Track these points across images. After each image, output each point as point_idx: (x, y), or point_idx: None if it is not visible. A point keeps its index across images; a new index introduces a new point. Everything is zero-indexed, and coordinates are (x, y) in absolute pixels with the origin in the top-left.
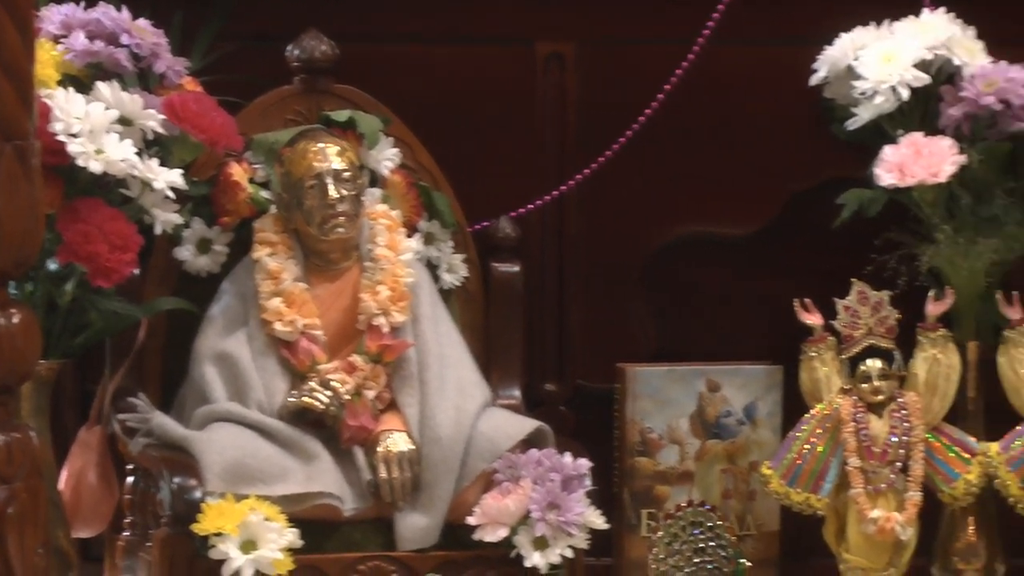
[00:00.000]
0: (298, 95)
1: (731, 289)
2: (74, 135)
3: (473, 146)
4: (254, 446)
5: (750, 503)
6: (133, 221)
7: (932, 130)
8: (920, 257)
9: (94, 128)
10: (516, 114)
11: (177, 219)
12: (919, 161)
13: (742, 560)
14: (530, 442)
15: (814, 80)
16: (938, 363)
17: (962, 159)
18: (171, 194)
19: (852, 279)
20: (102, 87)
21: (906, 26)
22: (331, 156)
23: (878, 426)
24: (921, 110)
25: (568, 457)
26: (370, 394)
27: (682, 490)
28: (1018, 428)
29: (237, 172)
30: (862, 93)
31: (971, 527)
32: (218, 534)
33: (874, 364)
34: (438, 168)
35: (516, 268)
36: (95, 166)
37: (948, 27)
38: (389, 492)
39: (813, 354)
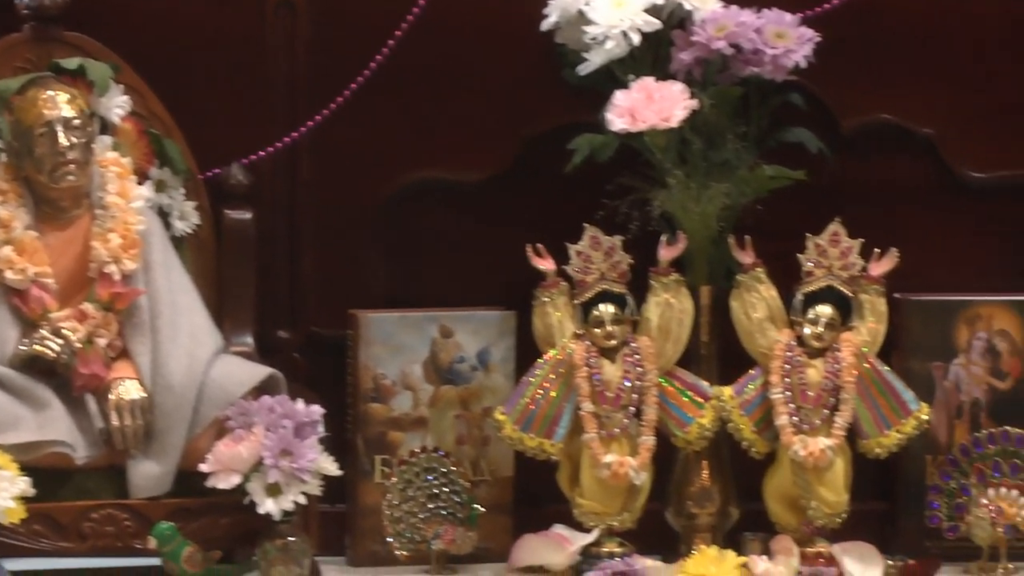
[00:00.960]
0: (27, 43)
1: (464, 235)
2: None
3: (204, 93)
4: None
5: (484, 448)
6: None
7: (664, 75)
8: (652, 202)
9: None
10: (247, 61)
11: None
12: (650, 106)
13: (476, 506)
14: (262, 389)
15: (545, 25)
16: (671, 307)
17: (693, 104)
18: None
19: (584, 224)
20: None
21: None
22: (61, 104)
23: (611, 371)
24: (652, 55)
25: (301, 404)
26: (102, 342)
27: (415, 436)
28: (751, 372)
29: None
30: (593, 38)
31: (705, 471)
32: None
33: (607, 309)
34: (169, 115)
35: (248, 215)
36: None
37: None
38: (121, 440)
39: (546, 299)
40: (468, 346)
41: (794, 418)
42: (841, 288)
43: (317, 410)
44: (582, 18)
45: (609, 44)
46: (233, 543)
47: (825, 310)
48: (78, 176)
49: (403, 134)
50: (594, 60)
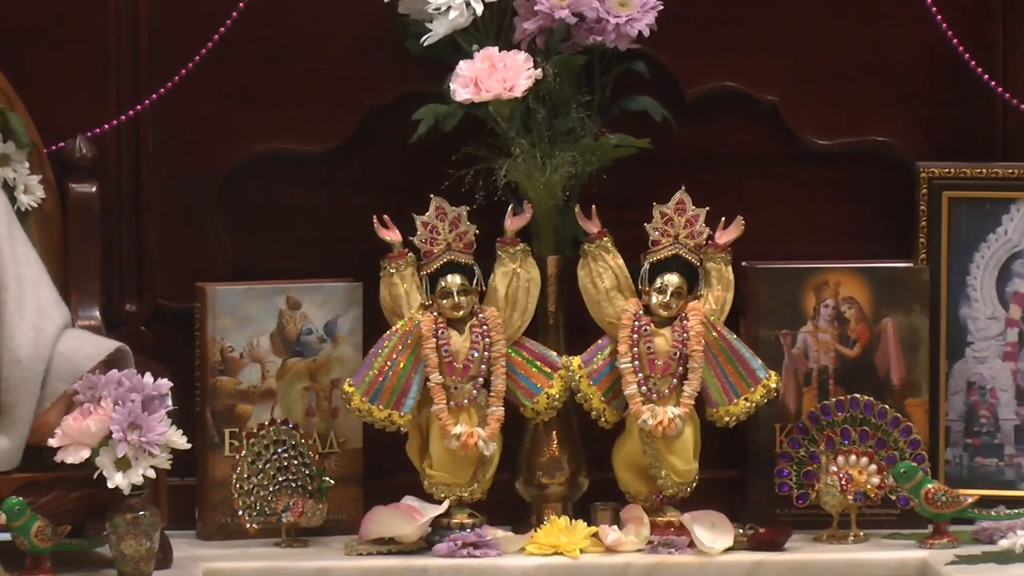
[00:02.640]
0: None
1: (310, 206)
2: None
3: (47, 66)
4: None
5: (333, 420)
6: None
7: (507, 44)
8: (497, 172)
9: None
10: (90, 32)
11: None
12: (494, 75)
13: (325, 478)
14: (110, 363)
15: None
16: (518, 277)
17: (537, 73)
18: None
19: (430, 195)
20: None
21: None
22: None
23: (459, 341)
24: (496, 25)
25: (149, 377)
26: None
27: (264, 408)
28: (599, 341)
29: None
30: (436, 9)
31: (554, 441)
32: None
33: (454, 280)
34: (12, 88)
35: (93, 188)
36: None
37: None
38: None
39: (392, 270)
40: (315, 318)
41: (643, 387)
42: (688, 257)
43: (165, 383)
44: None
45: (452, 14)
46: (83, 517)
47: (672, 279)
48: None
49: (247, 105)
50: (437, 30)
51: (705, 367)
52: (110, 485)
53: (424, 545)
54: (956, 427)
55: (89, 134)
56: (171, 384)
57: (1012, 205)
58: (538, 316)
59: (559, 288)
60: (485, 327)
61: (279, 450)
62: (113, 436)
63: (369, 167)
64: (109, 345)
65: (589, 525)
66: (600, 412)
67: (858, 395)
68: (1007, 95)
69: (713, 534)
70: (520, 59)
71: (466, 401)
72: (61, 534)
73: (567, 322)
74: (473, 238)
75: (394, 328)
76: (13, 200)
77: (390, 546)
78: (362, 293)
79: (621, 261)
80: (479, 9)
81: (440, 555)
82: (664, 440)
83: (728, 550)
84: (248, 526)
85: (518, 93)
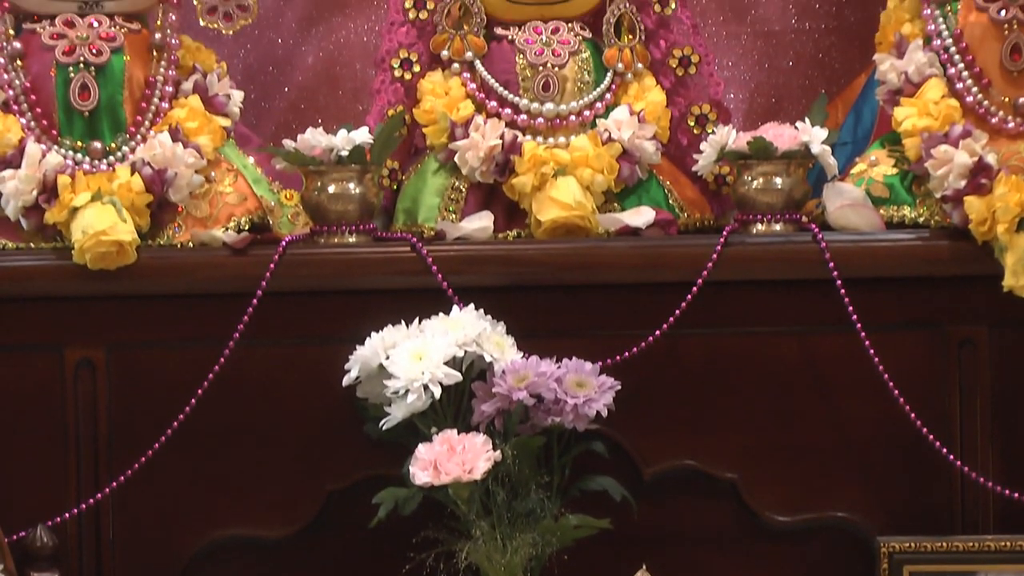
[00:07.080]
0: None
1: None
2: None
3: (6, 455)
4: None
5: None
6: None
7: (467, 427)
8: (458, 554)
9: None
10: (47, 421)
11: None
12: (453, 458)
13: None
14: None
15: (346, 381)
16: None
17: (496, 455)
18: None
19: None
20: None
21: (436, 324)
22: None
23: None
24: (455, 407)
25: None
26: None
27: None
28: None
29: None
30: (395, 392)
31: None
32: None
33: None
34: None
35: None
36: None
37: (477, 323)
38: None
39: None
40: None
41: None
42: None
43: None
44: (383, 372)
45: (411, 397)
46: None
47: None
48: None
49: (206, 491)
50: (396, 414)
51: None
52: None
53: None
54: None
55: (49, 523)
56: None
57: None
58: None
59: None
60: None
61: None
62: None
63: (330, 552)
64: None
65: None
66: None
67: None
68: (966, 468)
69: None
70: (479, 441)
71: None
72: None
73: None
74: None
75: None
76: None
77: None
78: None
79: None
80: (437, 392)
81: None
82: None
83: None
84: None
85: (477, 476)
